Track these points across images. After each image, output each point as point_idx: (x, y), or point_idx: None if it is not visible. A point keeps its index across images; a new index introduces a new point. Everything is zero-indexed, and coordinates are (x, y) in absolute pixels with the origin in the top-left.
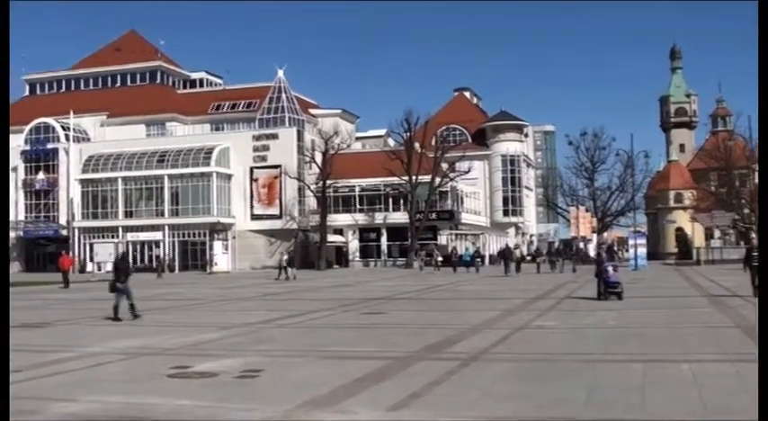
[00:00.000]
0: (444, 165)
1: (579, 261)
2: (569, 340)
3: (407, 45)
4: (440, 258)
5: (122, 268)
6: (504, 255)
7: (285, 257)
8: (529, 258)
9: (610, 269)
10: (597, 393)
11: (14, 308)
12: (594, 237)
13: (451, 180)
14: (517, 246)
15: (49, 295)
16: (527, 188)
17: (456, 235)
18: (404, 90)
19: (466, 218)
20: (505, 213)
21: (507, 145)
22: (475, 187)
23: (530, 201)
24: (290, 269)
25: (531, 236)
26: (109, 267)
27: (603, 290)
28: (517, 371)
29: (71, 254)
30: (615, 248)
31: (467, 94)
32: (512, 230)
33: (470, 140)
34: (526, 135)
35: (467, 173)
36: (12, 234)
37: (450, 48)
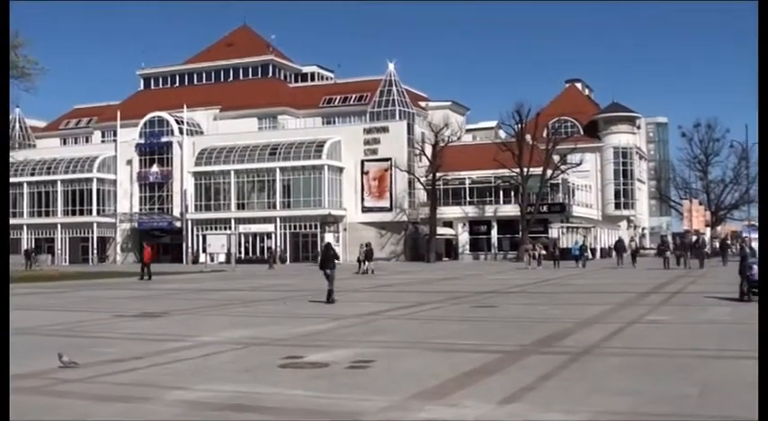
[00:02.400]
0: (556, 158)
1: (707, 256)
2: (682, 335)
3: (518, 36)
4: (543, 252)
5: (330, 257)
6: (617, 248)
7: (363, 249)
8: (652, 252)
9: (755, 267)
10: (710, 390)
11: (136, 297)
12: (708, 230)
13: (563, 172)
14: (632, 239)
15: (161, 286)
16: (639, 181)
17: (567, 228)
18: (515, 82)
19: (577, 211)
20: (617, 206)
21: (619, 137)
22: (586, 180)
23: (642, 193)
24: (367, 262)
25: (643, 229)
26: (221, 258)
27: (747, 289)
28: (629, 365)
29: (186, 245)
30: (729, 242)
31: (578, 85)
32: (623, 223)
33: (582, 132)
34: (638, 127)
35: (578, 165)
36: (126, 225)
37: (561, 39)
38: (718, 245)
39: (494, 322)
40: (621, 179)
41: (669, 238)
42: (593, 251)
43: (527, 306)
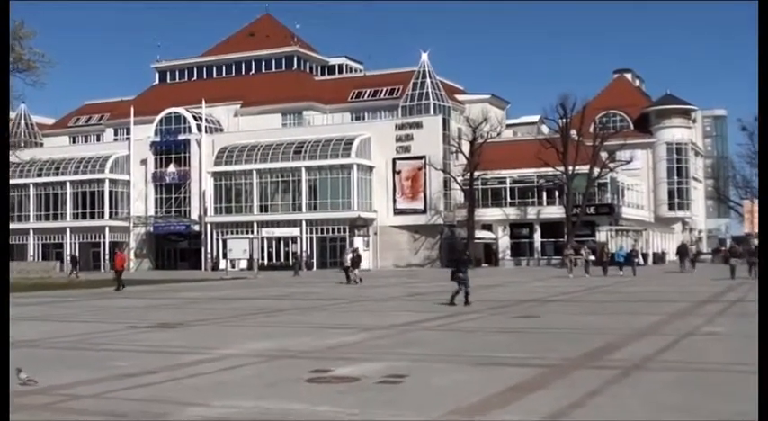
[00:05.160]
0: (603, 155)
1: None
2: (741, 348)
3: (562, 23)
4: (591, 257)
5: (464, 260)
6: (680, 252)
7: (349, 256)
8: (708, 257)
9: None
10: None
11: (151, 307)
12: None
13: (611, 170)
14: (693, 243)
15: (178, 294)
16: (695, 179)
17: (616, 231)
18: (559, 72)
19: (627, 212)
20: (671, 207)
21: (673, 131)
22: (637, 178)
23: (698, 193)
24: (355, 271)
25: (700, 232)
26: (243, 264)
27: None
28: (684, 380)
29: (205, 250)
30: None
31: (628, 75)
32: (677, 226)
33: (632, 127)
34: (694, 120)
35: (628, 163)
36: (141, 229)
37: (609, 25)
38: None
39: (537, 333)
40: (675, 178)
41: (729, 242)
42: (645, 256)
43: (573, 316)
